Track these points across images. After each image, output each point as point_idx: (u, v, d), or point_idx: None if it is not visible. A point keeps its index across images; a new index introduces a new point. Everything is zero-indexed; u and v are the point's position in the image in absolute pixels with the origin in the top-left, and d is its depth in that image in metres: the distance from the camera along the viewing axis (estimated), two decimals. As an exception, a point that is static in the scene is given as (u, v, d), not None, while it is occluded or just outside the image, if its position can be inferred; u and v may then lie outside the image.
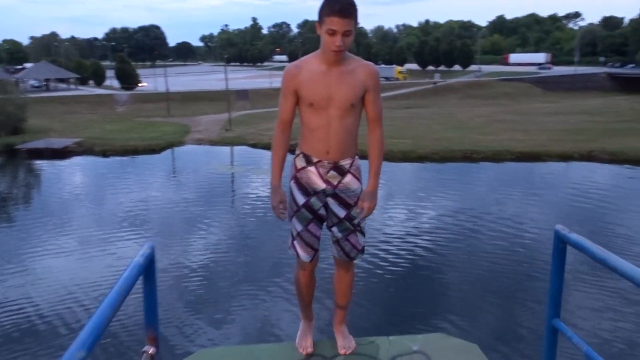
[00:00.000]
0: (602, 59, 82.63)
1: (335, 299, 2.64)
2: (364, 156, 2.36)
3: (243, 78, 68.06)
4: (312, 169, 2.37)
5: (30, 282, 9.35)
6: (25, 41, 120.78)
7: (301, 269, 2.51)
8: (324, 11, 2.13)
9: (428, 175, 18.44)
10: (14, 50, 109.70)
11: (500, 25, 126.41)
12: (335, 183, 2.37)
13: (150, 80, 58.75)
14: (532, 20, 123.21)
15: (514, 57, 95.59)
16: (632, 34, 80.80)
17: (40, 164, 21.09)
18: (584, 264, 8.54)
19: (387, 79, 60.72)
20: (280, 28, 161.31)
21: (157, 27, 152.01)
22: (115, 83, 59.35)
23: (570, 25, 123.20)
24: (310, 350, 2.54)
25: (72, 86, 56.48)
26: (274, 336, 7.41)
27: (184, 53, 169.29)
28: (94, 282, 9.18)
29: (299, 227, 2.42)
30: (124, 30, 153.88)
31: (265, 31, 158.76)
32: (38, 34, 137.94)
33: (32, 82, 54.01)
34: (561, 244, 1.63)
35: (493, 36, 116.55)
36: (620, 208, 13.63)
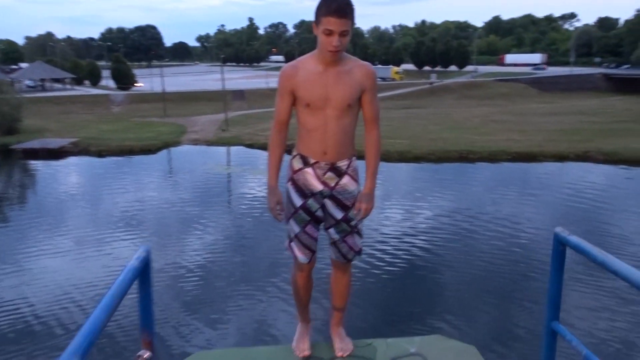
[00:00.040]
0: (597, 59, 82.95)
1: (333, 301, 2.62)
2: (360, 156, 2.35)
3: (239, 78, 67.99)
4: (309, 170, 2.36)
5: (26, 283, 9.30)
6: (20, 41, 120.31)
7: (298, 271, 2.50)
8: (320, 11, 2.11)
9: (424, 175, 18.45)
10: (9, 50, 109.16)
11: (496, 25, 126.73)
12: (332, 184, 2.36)
13: (146, 81, 58.58)
14: (528, 21, 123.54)
15: (510, 58, 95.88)
16: (627, 34, 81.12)
17: (36, 164, 21.00)
18: (580, 263, 8.55)
19: (384, 79, 60.76)
20: (277, 28, 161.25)
21: (153, 27, 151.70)
22: (111, 83, 59.14)
23: (566, 26, 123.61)
24: (307, 353, 2.52)
25: (68, 86, 56.24)
26: (270, 336, 7.39)
27: (181, 53, 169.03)
28: (90, 283, 9.14)
29: (297, 229, 2.40)
30: (120, 30, 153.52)
31: (261, 31, 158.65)
32: (34, 33, 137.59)
33: (27, 82, 53.74)
34: (561, 246, 1.62)
35: (489, 37, 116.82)
36: (615, 208, 13.68)
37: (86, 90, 53.73)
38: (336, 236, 2.42)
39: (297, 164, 2.39)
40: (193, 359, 2.51)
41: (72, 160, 21.35)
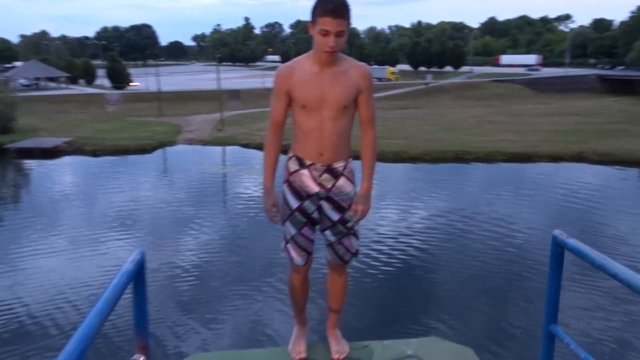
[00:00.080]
0: (592, 61, 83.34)
1: (329, 302, 2.61)
2: (356, 157, 2.33)
3: (235, 78, 67.84)
4: (305, 172, 2.34)
5: (19, 283, 9.25)
6: (15, 39, 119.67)
7: (295, 272, 2.48)
8: (316, 11, 2.09)
9: (420, 175, 18.48)
10: (3, 49, 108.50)
11: (491, 26, 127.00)
12: (328, 186, 2.34)
13: (141, 80, 58.39)
14: (524, 22, 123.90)
15: (505, 59, 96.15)
16: (621, 36, 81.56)
17: (30, 163, 20.88)
18: (576, 264, 8.57)
19: (379, 79, 60.79)
20: (273, 28, 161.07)
21: (148, 26, 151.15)
22: (106, 82, 58.91)
23: (561, 27, 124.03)
24: (303, 355, 2.51)
25: (63, 85, 55.98)
26: (266, 336, 7.38)
27: (176, 52, 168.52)
28: (85, 282, 9.11)
29: (293, 231, 2.39)
30: (115, 29, 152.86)
31: (257, 31, 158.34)
32: (28, 32, 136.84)
33: (21, 80, 53.45)
34: (559, 249, 1.61)
35: (485, 37, 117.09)
36: (608, 208, 13.75)
37: (81, 89, 53.47)
38: (332, 238, 2.40)
39: (293, 165, 2.37)
40: None
41: (66, 159, 21.24)
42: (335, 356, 2.50)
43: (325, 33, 2.09)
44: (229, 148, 22.69)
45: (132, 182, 17.38)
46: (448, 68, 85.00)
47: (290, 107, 2.30)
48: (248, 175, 17.70)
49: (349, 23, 2.13)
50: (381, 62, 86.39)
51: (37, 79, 54.70)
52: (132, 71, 64.96)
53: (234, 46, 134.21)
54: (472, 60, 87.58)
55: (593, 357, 1.47)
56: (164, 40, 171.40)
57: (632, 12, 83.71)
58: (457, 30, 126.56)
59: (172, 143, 23.60)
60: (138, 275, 1.34)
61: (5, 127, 25.48)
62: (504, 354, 6.98)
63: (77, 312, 8.10)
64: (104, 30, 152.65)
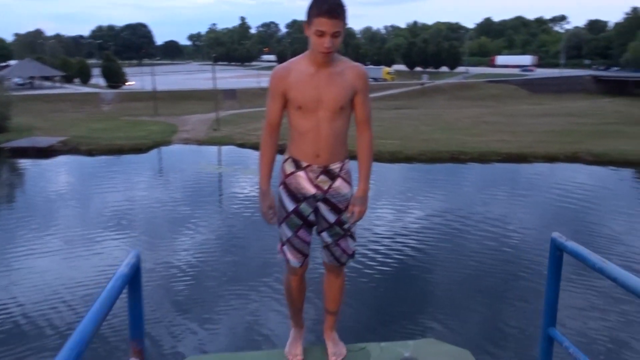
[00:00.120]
0: (587, 61, 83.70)
1: (326, 304, 2.59)
2: (352, 157, 2.32)
3: (231, 77, 67.75)
4: (301, 173, 2.32)
5: (14, 282, 9.20)
6: (9, 38, 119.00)
7: (291, 274, 2.47)
8: (312, 12, 2.08)
9: (416, 175, 18.50)
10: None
11: (487, 27, 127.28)
12: (325, 188, 2.33)
13: (137, 79, 58.22)
14: (519, 22, 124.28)
15: (500, 59, 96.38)
16: (616, 37, 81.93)
17: (25, 163, 20.77)
18: (571, 263, 8.59)
19: (375, 79, 60.82)
20: (269, 28, 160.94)
21: (144, 25, 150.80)
22: (102, 81, 58.69)
23: (557, 28, 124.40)
24: (300, 358, 2.50)
25: (57, 84, 55.71)
26: (263, 336, 7.37)
27: (172, 52, 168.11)
28: (80, 282, 9.06)
29: (289, 233, 2.37)
30: (111, 28, 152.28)
31: (253, 31, 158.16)
32: (23, 30, 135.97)
33: (16, 79, 53.06)
34: (558, 252, 1.60)
35: (480, 38, 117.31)
36: (603, 208, 13.82)
37: (76, 88, 53.25)
38: (329, 240, 2.39)
39: (289, 167, 2.35)
40: None
41: (61, 159, 21.14)
42: (332, 358, 2.48)
43: (321, 34, 2.07)
44: (224, 148, 22.64)
45: (128, 181, 17.31)
46: (444, 68, 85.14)
47: (286, 108, 2.28)
48: (244, 175, 17.66)
49: (345, 23, 2.11)
50: (377, 62, 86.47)
51: (32, 77, 54.40)
52: (127, 70, 64.75)
53: (229, 46, 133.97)
54: (467, 61, 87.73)
55: (591, 359, 1.46)
56: (159, 39, 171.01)
57: (627, 14, 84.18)
58: (453, 30, 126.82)
59: (167, 143, 23.52)
60: (133, 279, 1.32)
61: (-1, 126, 25.34)
62: (500, 354, 6.98)
63: (73, 312, 8.06)
64: (99, 29, 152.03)
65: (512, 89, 53.37)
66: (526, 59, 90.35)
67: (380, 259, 10.06)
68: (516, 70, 77.48)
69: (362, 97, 2.28)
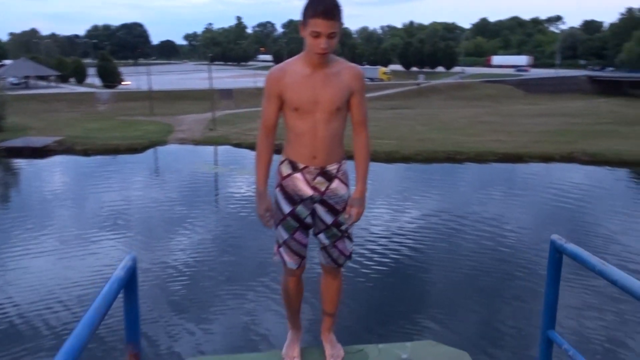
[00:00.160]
0: (582, 62, 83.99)
1: (323, 306, 2.58)
2: (349, 157, 2.31)
3: (227, 77, 67.58)
4: (298, 175, 2.31)
5: (9, 282, 9.15)
6: (4, 37, 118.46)
7: (289, 276, 2.46)
8: (307, 13, 2.06)
9: (412, 175, 18.51)
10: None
11: (483, 27, 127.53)
12: (322, 189, 2.32)
13: (132, 79, 58.04)
14: (515, 23, 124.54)
15: (496, 59, 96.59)
16: (611, 38, 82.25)
17: (20, 162, 20.67)
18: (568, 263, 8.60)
19: (372, 79, 60.87)
20: (265, 27, 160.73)
21: (139, 25, 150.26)
22: (97, 81, 58.48)
23: (552, 28, 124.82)
24: None
25: (53, 84, 55.52)
26: (260, 336, 7.35)
27: (168, 51, 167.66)
28: (76, 282, 9.03)
29: (285, 236, 2.36)
30: (106, 27, 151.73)
31: (249, 30, 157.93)
32: (18, 30, 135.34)
33: (11, 79, 52.84)
34: (557, 254, 1.59)
35: (476, 38, 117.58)
36: (598, 208, 13.87)
37: (71, 88, 53.05)
38: (326, 241, 2.38)
39: (286, 169, 2.33)
40: None
41: (56, 159, 21.05)
42: (330, 360, 2.47)
43: (317, 35, 2.06)
44: (220, 148, 22.59)
45: (123, 181, 17.25)
46: (440, 68, 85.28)
47: (282, 109, 2.27)
48: (240, 175, 17.63)
49: (340, 24, 2.10)
50: (373, 62, 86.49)
51: (27, 77, 54.16)
52: (123, 70, 64.55)
53: (225, 45, 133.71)
54: (463, 61, 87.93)
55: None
56: (155, 39, 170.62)
57: (622, 14, 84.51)
58: (449, 30, 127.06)
59: (163, 142, 23.45)
60: (129, 282, 1.30)
61: (-6, 126, 25.22)
62: (498, 354, 6.99)
63: (68, 312, 8.03)
64: (95, 28, 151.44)
65: (508, 89, 53.50)
66: (522, 59, 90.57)
67: (377, 259, 10.06)
68: (511, 71, 77.66)
69: (358, 98, 2.27)
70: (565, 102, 44.25)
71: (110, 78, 56.57)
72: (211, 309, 8.21)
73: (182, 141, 23.77)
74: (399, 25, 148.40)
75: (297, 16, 2.13)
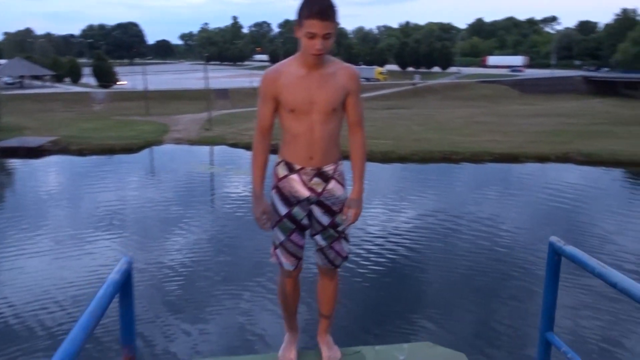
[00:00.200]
0: (577, 62, 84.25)
1: (320, 308, 2.56)
2: (344, 157, 2.30)
3: (223, 77, 67.47)
4: (294, 176, 2.29)
5: (3, 283, 9.11)
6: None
7: (285, 277, 2.44)
8: (302, 13, 2.04)
9: (408, 175, 18.54)
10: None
11: (479, 28, 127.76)
12: (319, 190, 2.30)
13: (128, 78, 57.87)
14: (510, 23, 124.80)
15: (492, 60, 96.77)
16: (606, 38, 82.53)
17: (14, 162, 20.57)
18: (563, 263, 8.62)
19: (368, 79, 60.88)
20: (261, 27, 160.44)
21: (135, 25, 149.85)
22: (92, 81, 58.25)
23: (547, 29, 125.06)
24: (293, 362, 2.47)
25: (48, 83, 55.27)
26: (256, 336, 7.34)
27: (163, 51, 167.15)
28: (71, 282, 9.01)
29: (282, 238, 2.34)
30: (102, 27, 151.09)
31: (245, 30, 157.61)
32: (12, 29, 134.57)
33: (5, 79, 52.65)
34: (556, 256, 1.58)
35: (472, 38, 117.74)
36: (593, 208, 13.93)
37: (66, 87, 52.84)
38: (323, 243, 2.36)
39: (282, 170, 2.32)
40: None
41: (52, 159, 20.97)
42: (327, 362, 2.46)
43: (312, 36, 2.04)
44: (216, 148, 22.55)
45: (119, 181, 17.20)
46: (436, 68, 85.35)
47: (278, 111, 2.25)
48: (236, 175, 17.60)
49: (336, 24, 2.08)
50: (369, 62, 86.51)
51: (22, 77, 53.91)
52: (118, 70, 64.35)
53: (221, 45, 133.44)
54: (459, 61, 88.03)
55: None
56: (151, 38, 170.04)
57: (617, 15, 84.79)
58: (445, 31, 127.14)
59: (159, 142, 23.39)
60: (125, 286, 1.29)
61: (-12, 125, 25.08)
62: (494, 354, 6.99)
63: (64, 312, 8.02)
64: (90, 28, 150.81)
65: (504, 89, 53.63)
66: (517, 60, 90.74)
67: (373, 259, 10.06)
68: (506, 71, 77.82)
69: (354, 99, 2.26)
70: (561, 102, 44.39)
71: (106, 78, 56.38)
72: (207, 309, 8.19)
73: (178, 141, 23.72)
74: (395, 25, 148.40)
75: (293, 16, 2.12)
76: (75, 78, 61.10)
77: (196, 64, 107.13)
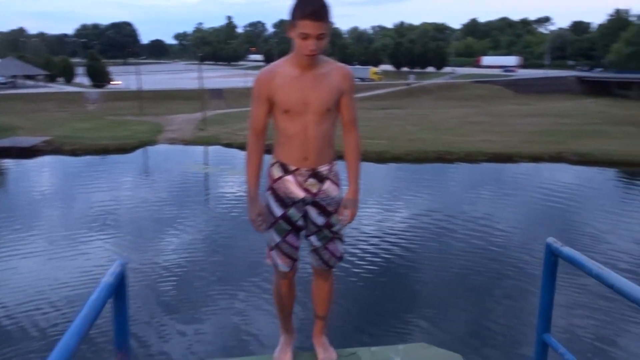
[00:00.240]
0: (571, 62, 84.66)
1: (315, 309, 2.55)
2: (339, 157, 2.30)
3: (217, 77, 67.30)
4: (289, 178, 2.28)
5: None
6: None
7: (281, 278, 2.43)
8: (295, 14, 2.02)
9: (403, 175, 18.56)
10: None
11: (473, 28, 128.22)
12: (314, 191, 2.29)
13: (122, 78, 57.62)
14: (504, 23, 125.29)
15: (486, 60, 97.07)
16: (600, 38, 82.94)
17: (7, 163, 20.42)
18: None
19: (362, 79, 60.91)
20: (256, 27, 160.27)
21: (129, 24, 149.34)
22: (86, 80, 57.97)
23: (541, 29, 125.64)
24: (289, 363, 2.46)
25: (41, 83, 54.95)
26: (252, 336, 7.32)
27: (157, 51, 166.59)
28: (65, 283, 8.95)
29: (277, 239, 2.33)
30: (95, 26, 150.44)
31: (240, 30, 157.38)
32: (5, 28, 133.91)
33: (-2, 78, 52.32)
34: (552, 257, 1.58)
35: (466, 39, 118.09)
36: (587, 207, 14.00)
37: (60, 87, 52.54)
38: (318, 243, 2.35)
39: (277, 172, 2.30)
40: None
41: (45, 159, 20.84)
42: (322, 364, 2.45)
43: (305, 36, 2.02)
44: (211, 148, 22.50)
45: (113, 182, 17.12)
46: (430, 69, 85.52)
47: (272, 112, 2.24)
48: (230, 175, 17.56)
49: (330, 24, 2.06)
50: (364, 62, 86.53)
51: (14, 76, 53.54)
52: (112, 69, 64.04)
53: (216, 45, 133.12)
54: (454, 61, 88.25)
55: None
56: (145, 38, 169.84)
57: (610, 15, 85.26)
58: (439, 31, 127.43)
59: (153, 142, 23.30)
60: (118, 289, 1.27)
61: (-20, 125, 24.90)
62: (490, 354, 7.00)
63: (58, 312, 7.99)
64: (84, 27, 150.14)
65: (498, 89, 53.78)
66: (511, 60, 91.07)
67: (368, 259, 10.06)
68: (499, 71, 78.06)
69: (348, 99, 2.25)
70: (554, 102, 44.57)
71: (99, 77, 56.12)
72: (202, 309, 8.16)
73: (172, 141, 23.64)
74: (389, 25, 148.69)
75: (287, 16, 2.10)
76: (69, 78, 60.78)
77: (190, 64, 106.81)
